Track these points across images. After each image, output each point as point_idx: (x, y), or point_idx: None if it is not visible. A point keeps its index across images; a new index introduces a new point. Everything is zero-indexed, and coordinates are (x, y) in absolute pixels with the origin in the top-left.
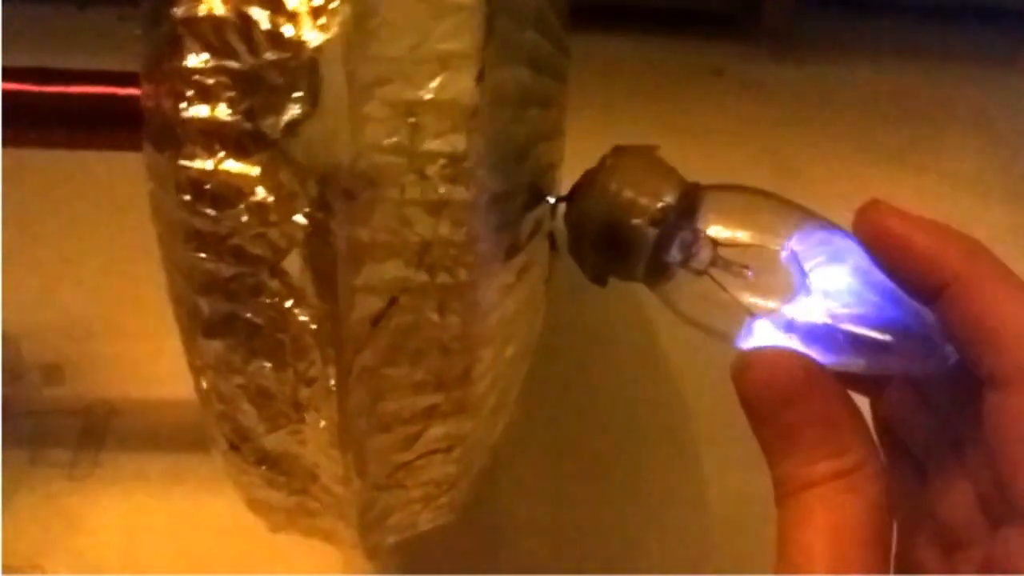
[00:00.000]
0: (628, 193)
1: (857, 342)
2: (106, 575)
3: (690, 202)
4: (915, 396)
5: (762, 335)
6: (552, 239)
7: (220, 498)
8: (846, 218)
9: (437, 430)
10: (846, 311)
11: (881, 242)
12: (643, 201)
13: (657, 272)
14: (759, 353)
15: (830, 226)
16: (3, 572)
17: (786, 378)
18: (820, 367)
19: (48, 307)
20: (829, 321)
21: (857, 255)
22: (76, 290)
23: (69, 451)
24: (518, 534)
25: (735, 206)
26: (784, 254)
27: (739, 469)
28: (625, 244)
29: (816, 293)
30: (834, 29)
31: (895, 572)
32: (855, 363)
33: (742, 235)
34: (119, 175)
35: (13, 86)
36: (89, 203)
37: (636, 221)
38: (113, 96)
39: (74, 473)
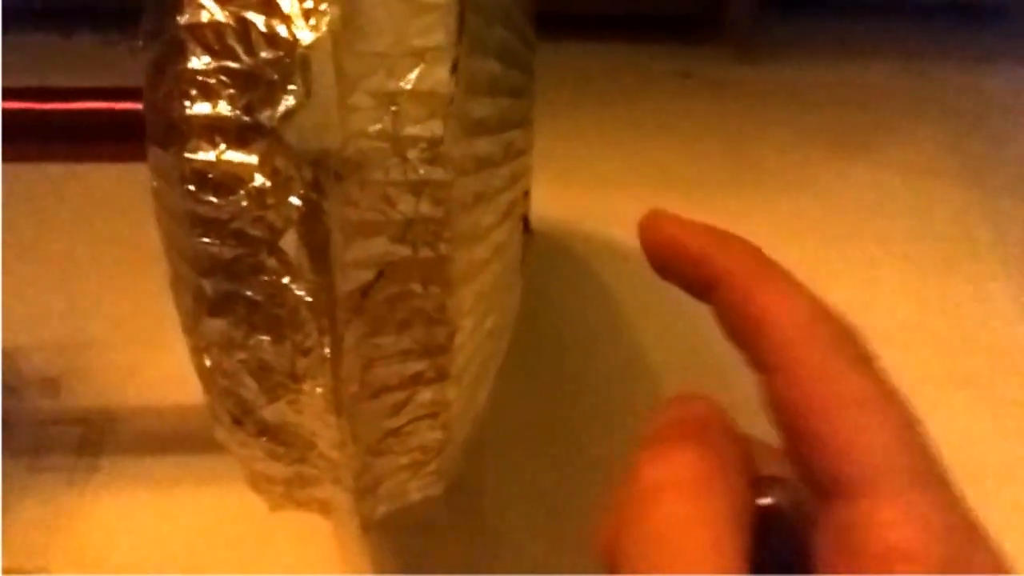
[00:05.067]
0: None
1: None
2: (108, 574)
3: None
4: None
5: None
6: (526, 222)
7: (217, 498)
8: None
9: (423, 396)
10: None
11: (658, 246)
12: None
13: None
14: None
15: None
16: (8, 574)
17: None
18: None
19: (42, 321)
20: None
21: None
22: (69, 304)
23: (69, 457)
24: (511, 534)
25: None
26: None
27: None
28: None
29: None
30: (796, 30)
31: None
32: None
33: None
34: (111, 190)
35: (13, 104)
36: (81, 217)
37: None
38: (110, 110)
39: (74, 477)
